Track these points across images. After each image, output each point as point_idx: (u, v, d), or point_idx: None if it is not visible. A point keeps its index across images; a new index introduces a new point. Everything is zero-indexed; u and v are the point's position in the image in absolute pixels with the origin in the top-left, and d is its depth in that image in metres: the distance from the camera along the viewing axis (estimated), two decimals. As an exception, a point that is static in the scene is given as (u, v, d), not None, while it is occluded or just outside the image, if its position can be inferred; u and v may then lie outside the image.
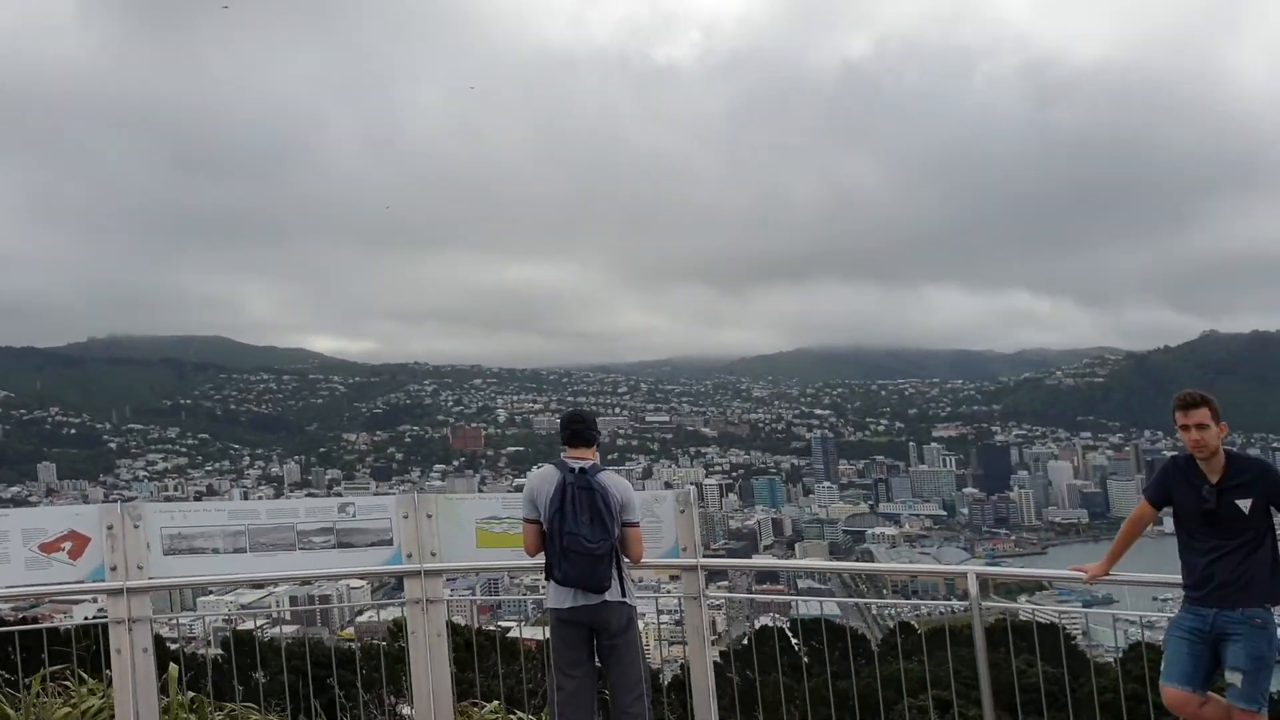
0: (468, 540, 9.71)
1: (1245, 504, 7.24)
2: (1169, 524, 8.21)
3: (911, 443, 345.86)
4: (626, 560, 8.16)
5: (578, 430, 8.35)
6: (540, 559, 8.20)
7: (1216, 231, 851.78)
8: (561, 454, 8.34)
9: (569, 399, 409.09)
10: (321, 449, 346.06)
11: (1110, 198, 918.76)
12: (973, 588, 8.73)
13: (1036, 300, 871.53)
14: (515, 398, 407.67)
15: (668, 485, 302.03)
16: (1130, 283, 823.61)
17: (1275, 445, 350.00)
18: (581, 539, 7.66)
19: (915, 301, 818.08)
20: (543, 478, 8.13)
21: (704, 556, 9.90)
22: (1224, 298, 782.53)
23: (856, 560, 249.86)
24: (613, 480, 8.07)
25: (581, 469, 7.97)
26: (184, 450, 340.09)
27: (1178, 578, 7.85)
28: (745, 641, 39.86)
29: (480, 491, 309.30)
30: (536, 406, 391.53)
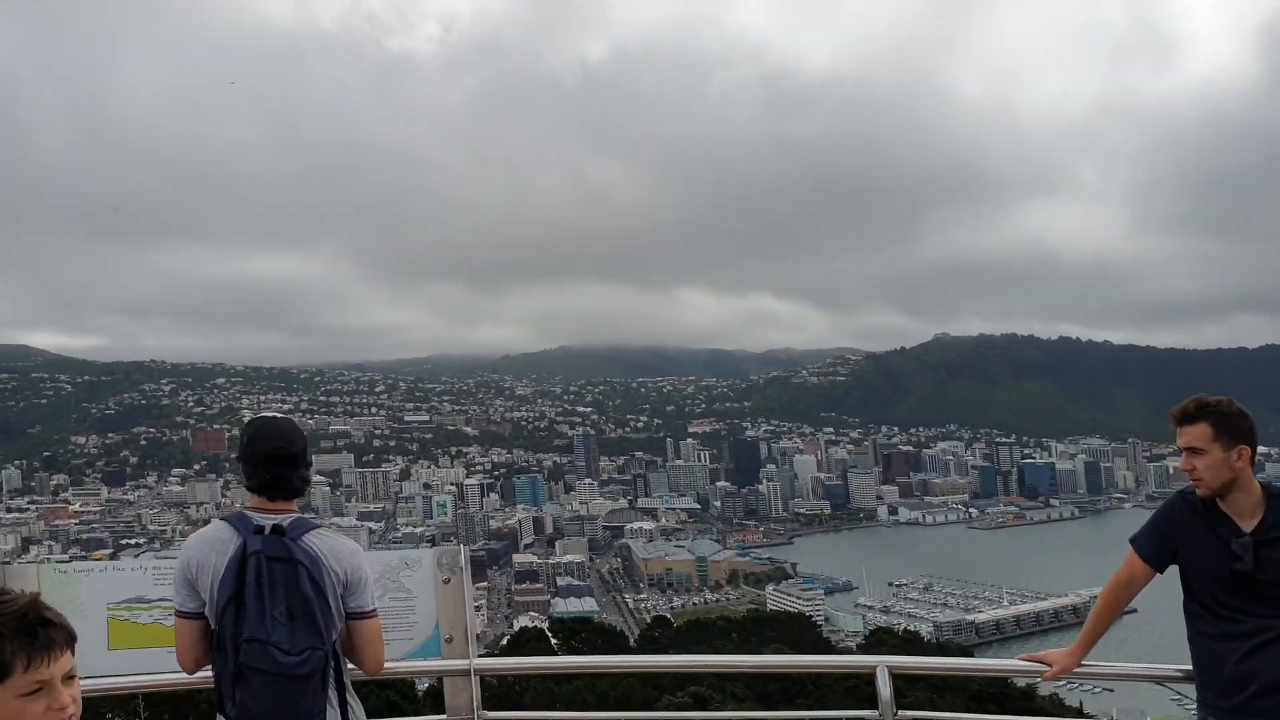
0: (95, 637, 5.67)
1: None
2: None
3: (669, 439, 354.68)
4: (351, 674, 4.75)
5: (279, 474, 4.62)
6: (207, 676, 4.64)
7: (943, 241, 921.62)
8: (242, 506, 4.78)
9: (321, 399, 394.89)
10: (46, 453, 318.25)
11: (844, 206, 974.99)
12: (884, 689, 5.41)
13: (779, 302, 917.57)
14: (262, 397, 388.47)
15: (427, 486, 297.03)
16: (865, 287, 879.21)
17: (999, 440, 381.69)
18: (273, 649, 4.22)
19: (669, 302, 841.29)
20: (207, 544, 4.59)
21: (480, 656, 6.12)
22: (952, 302, 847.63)
23: (615, 555, 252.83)
24: (331, 544, 4.60)
25: (276, 528, 4.46)
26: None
27: (1187, 666, 5.19)
28: (504, 642, 39.82)
29: (223, 496, 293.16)
30: (286, 407, 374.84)
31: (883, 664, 5.42)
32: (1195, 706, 4.99)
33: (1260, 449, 5.06)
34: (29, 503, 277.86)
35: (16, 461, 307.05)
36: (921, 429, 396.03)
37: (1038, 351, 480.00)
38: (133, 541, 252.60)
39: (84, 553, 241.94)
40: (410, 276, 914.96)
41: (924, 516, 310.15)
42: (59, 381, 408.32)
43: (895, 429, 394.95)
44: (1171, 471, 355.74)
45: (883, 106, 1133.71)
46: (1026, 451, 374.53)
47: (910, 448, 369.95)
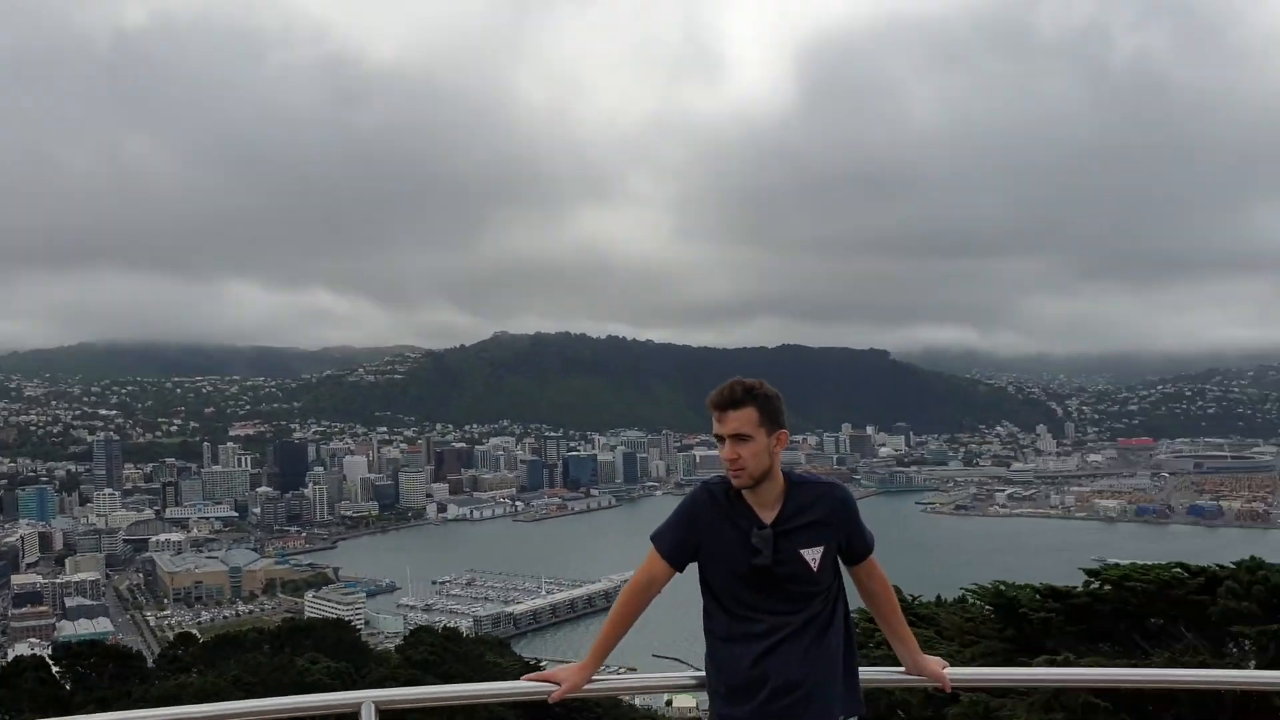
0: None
1: (814, 554, 4.36)
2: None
3: (206, 443, 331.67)
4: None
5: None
6: None
7: (504, 241, 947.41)
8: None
9: None
10: None
11: (407, 201, 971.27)
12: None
13: (337, 298, 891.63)
14: None
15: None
16: (425, 284, 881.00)
17: (549, 434, 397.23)
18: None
19: (213, 296, 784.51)
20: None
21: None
22: (511, 301, 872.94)
23: (137, 571, 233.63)
24: None
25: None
26: None
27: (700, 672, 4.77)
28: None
29: None
30: None
31: (369, 699, 4.74)
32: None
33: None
34: None
35: None
36: (475, 425, 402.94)
37: (587, 349, 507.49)
38: None
39: None
40: None
41: (471, 512, 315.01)
42: None
43: (450, 426, 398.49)
44: (699, 460, 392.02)
45: (448, 102, 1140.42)
46: (573, 445, 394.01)
47: (464, 444, 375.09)
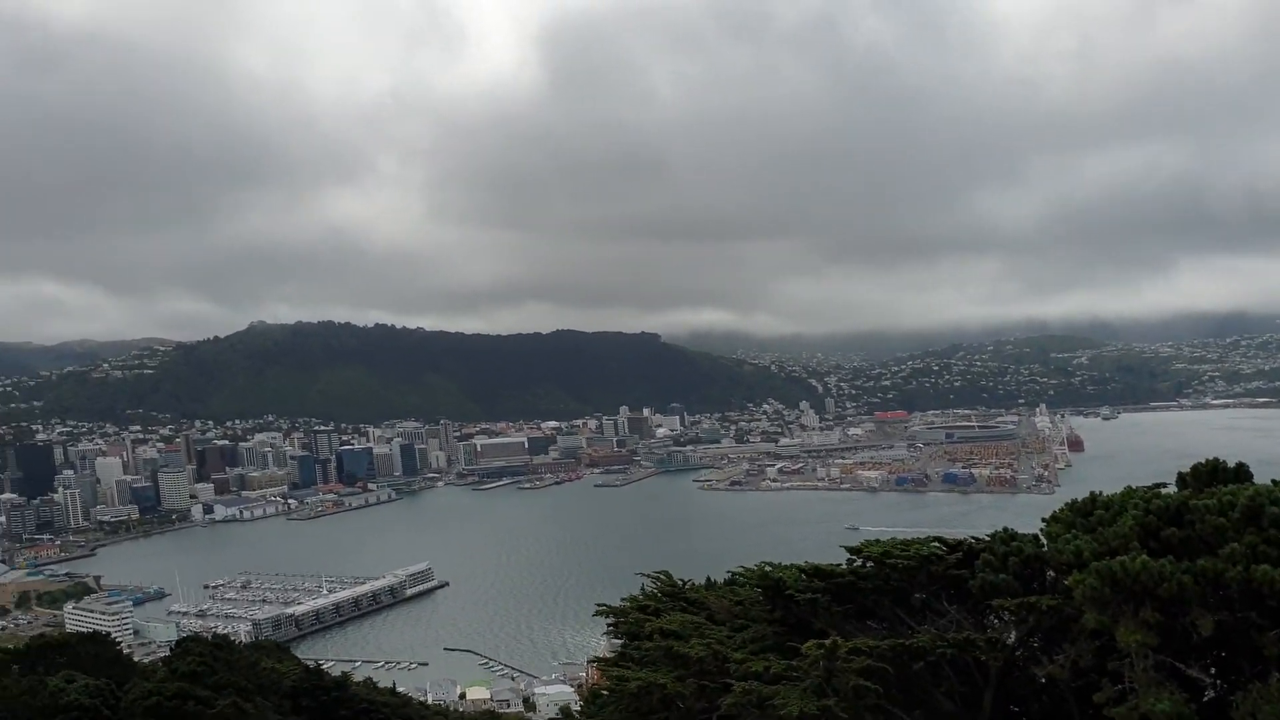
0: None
1: None
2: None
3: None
4: None
5: None
6: None
7: (241, 224, 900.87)
8: None
9: None
10: None
11: (122, 180, 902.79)
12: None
13: (63, 288, 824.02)
14: None
15: None
16: (161, 272, 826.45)
17: (319, 428, 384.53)
18: None
19: None
20: None
21: None
22: (261, 289, 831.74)
23: None
24: None
25: None
26: None
27: None
28: None
29: None
30: None
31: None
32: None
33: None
34: None
35: None
36: (238, 421, 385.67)
37: (354, 338, 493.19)
38: None
39: None
40: None
41: (241, 512, 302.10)
42: None
43: (210, 423, 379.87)
44: (479, 449, 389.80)
45: (154, 70, 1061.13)
46: (345, 438, 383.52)
47: (227, 441, 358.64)
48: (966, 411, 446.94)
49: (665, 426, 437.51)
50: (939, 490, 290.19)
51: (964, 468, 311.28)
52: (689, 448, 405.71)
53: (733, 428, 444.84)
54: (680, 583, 19.84)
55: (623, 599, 19.75)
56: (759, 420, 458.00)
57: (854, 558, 16.22)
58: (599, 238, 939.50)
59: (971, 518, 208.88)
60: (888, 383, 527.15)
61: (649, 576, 20.45)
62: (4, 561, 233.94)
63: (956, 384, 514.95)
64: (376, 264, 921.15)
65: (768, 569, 16.70)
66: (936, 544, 15.60)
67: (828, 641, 13.02)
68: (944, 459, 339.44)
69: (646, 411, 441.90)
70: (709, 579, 21.28)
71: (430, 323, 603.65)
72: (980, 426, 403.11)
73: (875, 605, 15.52)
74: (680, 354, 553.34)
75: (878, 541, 16.26)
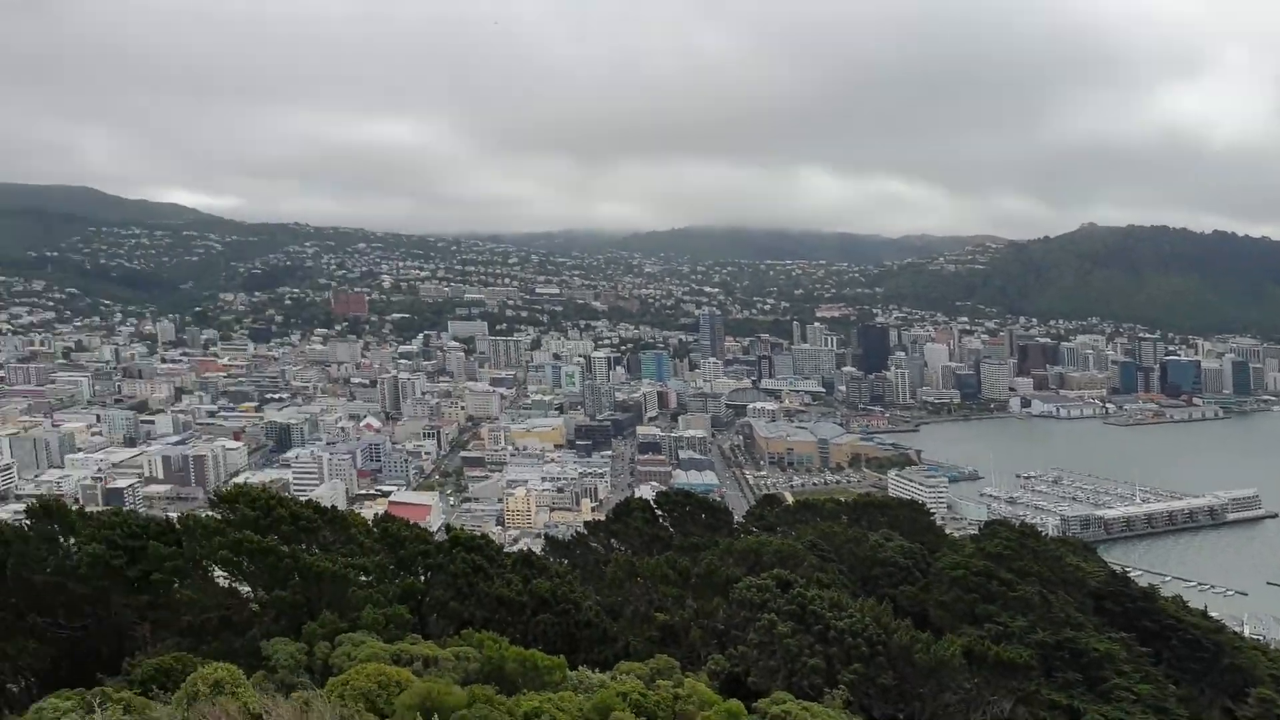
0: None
1: None
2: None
3: (796, 322, 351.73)
4: None
5: None
6: None
7: (1075, 123, 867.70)
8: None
9: (457, 268, 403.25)
10: (197, 308, 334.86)
11: (958, 81, 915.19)
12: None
13: (907, 186, 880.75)
14: (401, 264, 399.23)
15: (556, 357, 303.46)
16: (996, 171, 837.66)
17: (1142, 335, 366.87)
18: None
19: (790, 183, 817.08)
20: None
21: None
22: (1085, 189, 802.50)
23: (737, 433, 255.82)
24: None
25: None
26: (50, 304, 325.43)
27: None
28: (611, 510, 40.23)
29: (363, 356, 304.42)
30: (423, 274, 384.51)
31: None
32: None
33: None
34: (181, 354, 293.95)
35: (170, 315, 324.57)
36: (1062, 321, 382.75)
37: (1188, 245, 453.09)
38: (277, 396, 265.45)
39: (231, 405, 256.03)
40: (516, 148, 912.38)
41: (1058, 410, 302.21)
42: (209, 240, 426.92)
43: (1034, 320, 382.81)
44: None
45: None
46: (1171, 348, 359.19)
47: (1048, 340, 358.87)
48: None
49: None
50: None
51: None
52: None
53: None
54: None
55: None
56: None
57: None
58: None
59: None
60: None
61: None
62: (842, 426, 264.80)
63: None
64: (1216, 166, 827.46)
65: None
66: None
67: None
68: None
69: None
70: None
71: (1275, 230, 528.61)
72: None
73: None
74: None
75: None
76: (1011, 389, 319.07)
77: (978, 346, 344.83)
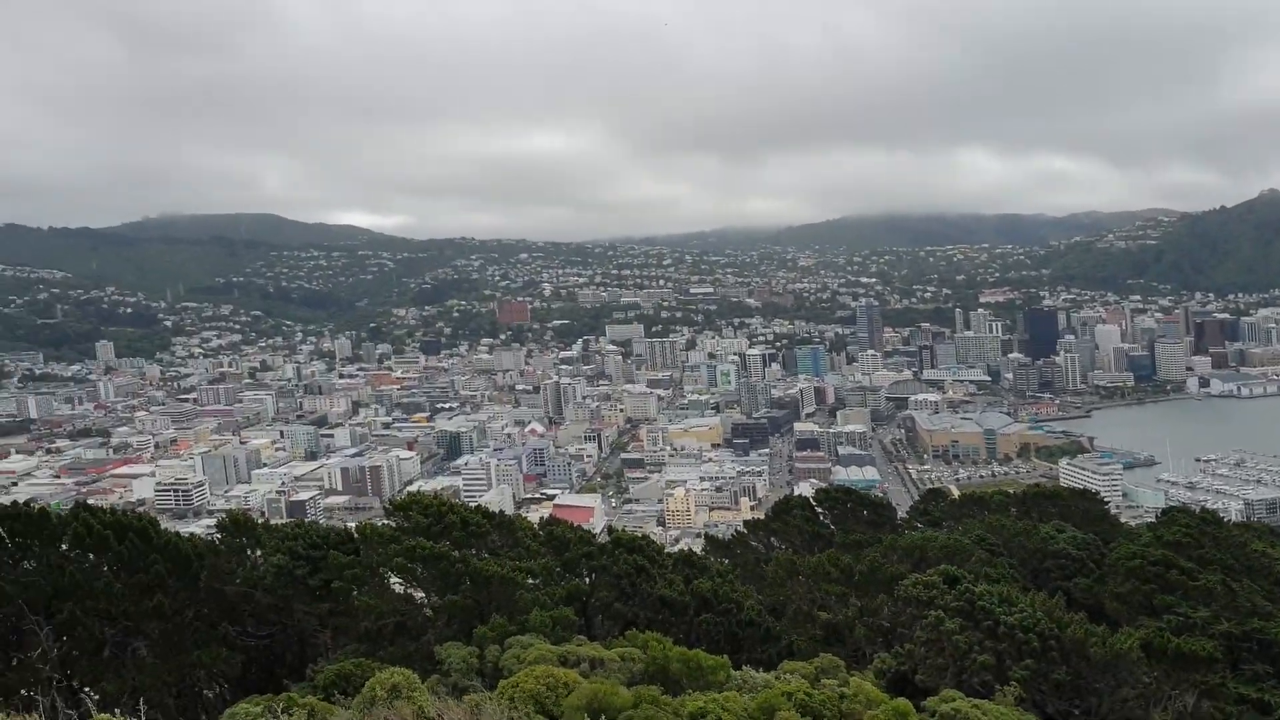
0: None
1: None
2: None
3: (958, 309, 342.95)
4: None
5: None
6: None
7: (1247, 86, 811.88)
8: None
9: (614, 272, 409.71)
10: (371, 324, 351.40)
11: (1126, 51, 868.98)
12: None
13: (1069, 162, 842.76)
14: (560, 271, 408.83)
15: (711, 356, 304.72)
16: (1162, 141, 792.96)
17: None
18: None
19: (945, 166, 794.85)
20: None
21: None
22: (1264, 154, 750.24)
23: (898, 426, 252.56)
24: None
25: None
26: (237, 327, 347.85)
27: None
28: (770, 509, 40.34)
29: (526, 364, 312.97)
30: (581, 280, 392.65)
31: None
32: None
33: None
34: (357, 369, 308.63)
35: (347, 332, 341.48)
36: (1242, 295, 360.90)
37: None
38: (447, 405, 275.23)
39: (405, 415, 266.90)
40: (664, 149, 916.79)
41: (1238, 389, 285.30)
42: (381, 258, 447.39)
43: (1211, 295, 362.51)
44: None
45: None
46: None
47: (1227, 315, 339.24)
48: None
49: None
50: None
51: None
52: None
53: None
54: None
55: None
56: None
57: None
58: None
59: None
60: None
61: None
62: (1009, 414, 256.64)
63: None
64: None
65: None
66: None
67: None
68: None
69: None
70: None
71: None
72: None
73: None
74: None
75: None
76: (1189, 369, 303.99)
77: (1151, 326, 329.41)
